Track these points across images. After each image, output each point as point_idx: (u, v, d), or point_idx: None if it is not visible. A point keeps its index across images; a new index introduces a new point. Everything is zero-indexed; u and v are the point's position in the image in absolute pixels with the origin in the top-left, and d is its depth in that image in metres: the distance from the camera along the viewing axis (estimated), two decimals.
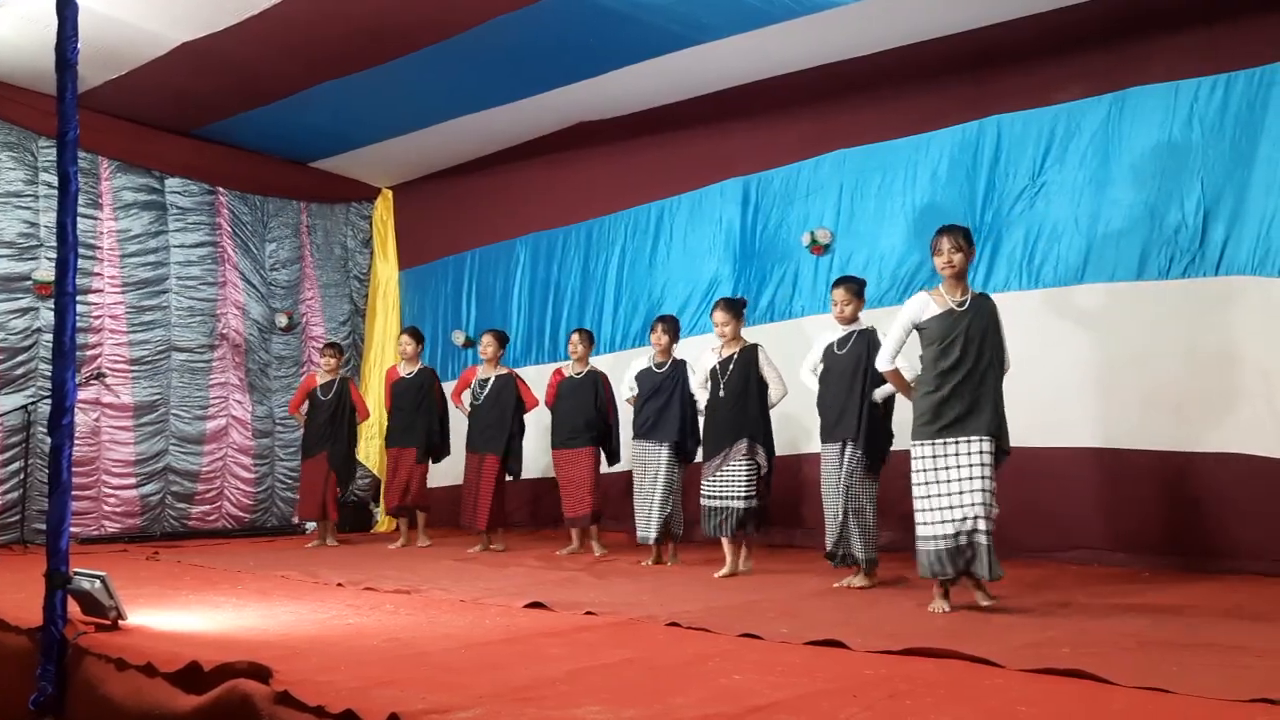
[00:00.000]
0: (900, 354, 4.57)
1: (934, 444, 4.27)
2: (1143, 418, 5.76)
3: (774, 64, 7.01)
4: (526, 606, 4.32)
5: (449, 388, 7.90)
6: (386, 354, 9.83)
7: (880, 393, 4.99)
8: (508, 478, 7.28)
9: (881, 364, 4.61)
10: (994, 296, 4.54)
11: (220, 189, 9.06)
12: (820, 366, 5.30)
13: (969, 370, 4.25)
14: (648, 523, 6.15)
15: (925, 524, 4.26)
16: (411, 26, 6.60)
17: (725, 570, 5.53)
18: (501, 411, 7.19)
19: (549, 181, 8.91)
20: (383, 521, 9.38)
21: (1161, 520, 5.68)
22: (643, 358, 6.52)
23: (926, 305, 4.40)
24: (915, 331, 4.45)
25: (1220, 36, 5.73)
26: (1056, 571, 5.55)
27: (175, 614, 4.13)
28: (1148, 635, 3.62)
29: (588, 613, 4.12)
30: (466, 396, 7.45)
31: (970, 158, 6.58)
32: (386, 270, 10.11)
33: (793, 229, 7.37)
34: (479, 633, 3.73)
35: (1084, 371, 5.95)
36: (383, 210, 10.16)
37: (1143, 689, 2.70)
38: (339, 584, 5.20)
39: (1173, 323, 5.69)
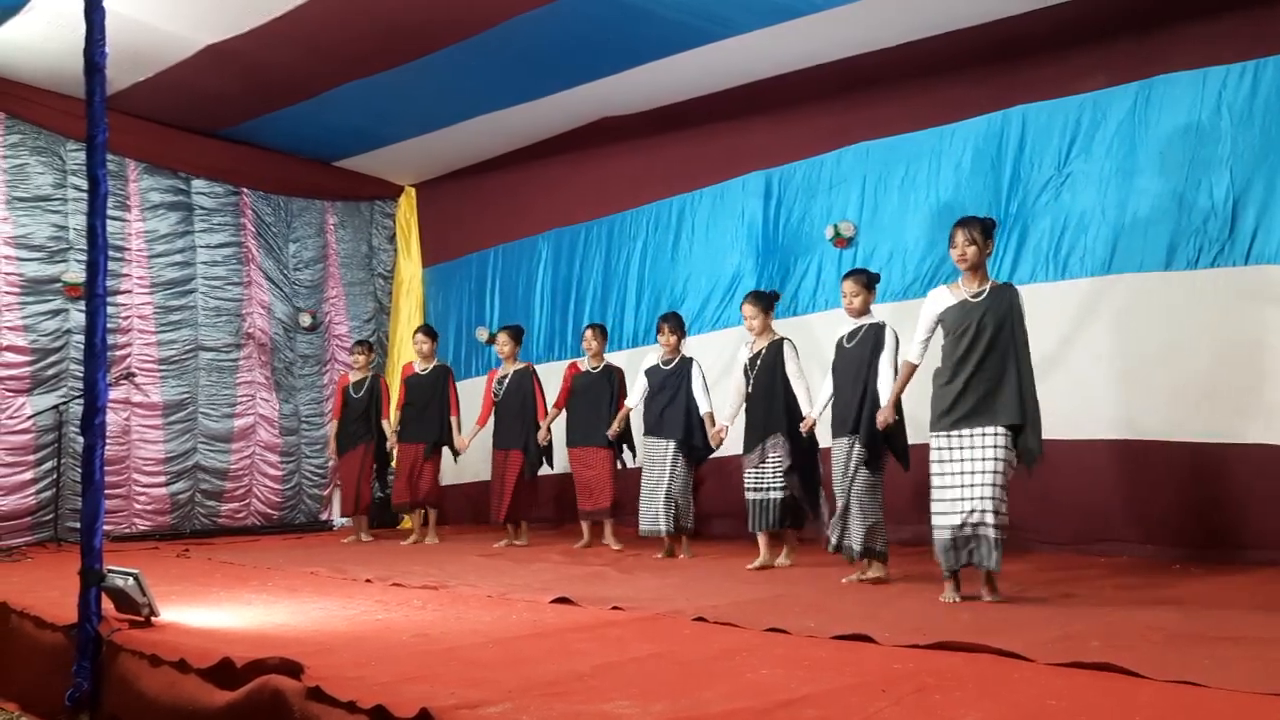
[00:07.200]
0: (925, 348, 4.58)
1: (948, 435, 4.30)
2: (1171, 409, 5.70)
3: (795, 58, 6.99)
4: (553, 602, 4.33)
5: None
6: (410, 351, 9.86)
7: (886, 386, 4.91)
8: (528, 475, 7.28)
9: (907, 355, 4.65)
10: (1020, 289, 4.51)
11: (245, 189, 9.14)
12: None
13: (980, 361, 4.25)
14: (654, 517, 6.20)
15: (935, 514, 4.30)
16: (433, 26, 6.62)
17: (757, 563, 5.56)
18: (522, 405, 7.23)
19: (571, 178, 8.92)
20: (408, 518, 9.43)
21: (1191, 512, 5.63)
22: (653, 355, 6.56)
23: (944, 297, 4.46)
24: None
25: (1248, 23, 5.66)
26: (1085, 564, 5.51)
27: (207, 610, 4.18)
28: (1177, 628, 3.59)
29: (614, 608, 4.13)
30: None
31: (995, 149, 6.53)
32: (410, 268, 10.16)
33: (815, 222, 7.34)
34: (507, 628, 3.74)
35: (1111, 363, 5.90)
36: (406, 208, 10.22)
37: (1173, 682, 2.67)
38: (367, 580, 5.24)
39: (1201, 313, 5.62)
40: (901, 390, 4.73)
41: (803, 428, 5.46)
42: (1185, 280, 5.71)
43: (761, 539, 5.63)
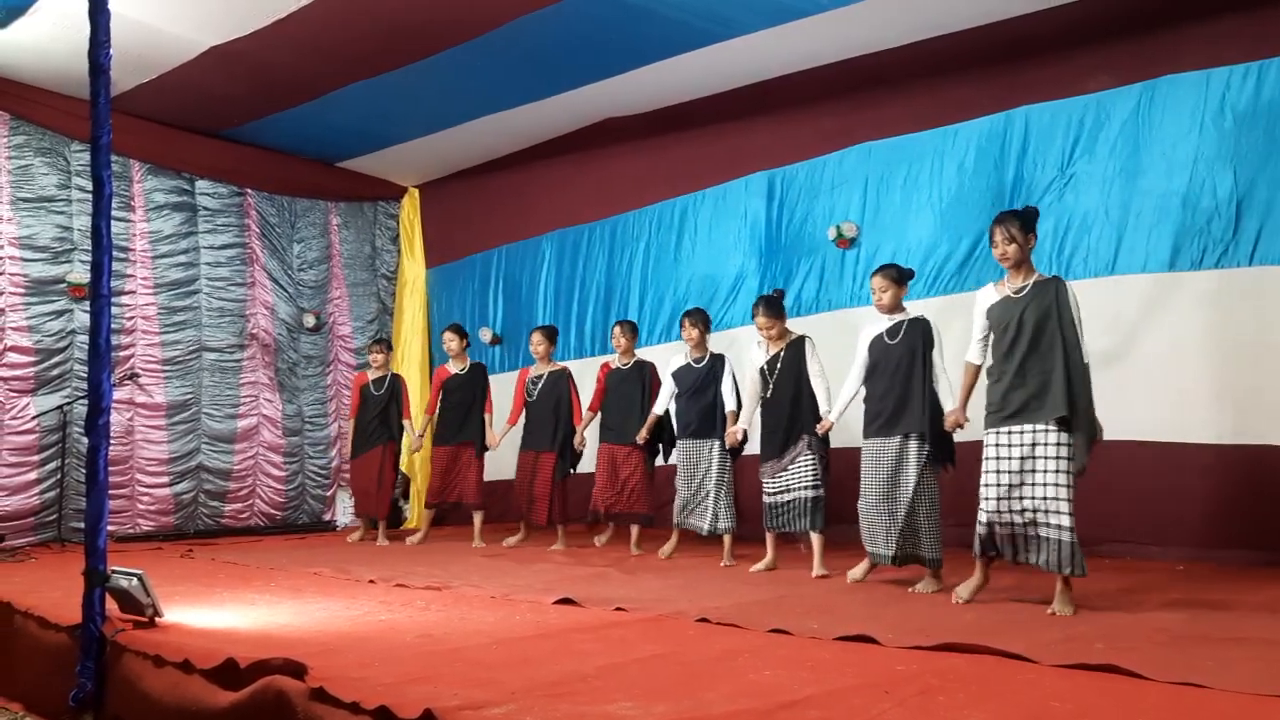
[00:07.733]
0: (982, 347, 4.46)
1: (997, 432, 4.20)
2: (1175, 410, 5.70)
3: (798, 58, 6.99)
4: (557, 603, 4.34)
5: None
6: (414, 351, 9.91)
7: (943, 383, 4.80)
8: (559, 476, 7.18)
9: (968, 356, 4.50)
10: None
11: (249, 190, 9.15)
12: (866, 361, 5.06)
13: (1024, 356, 4.14)
14: (712, 518, 6.05)
15: (984, 510, 4.19)
16: (437, 27, 6.63)
17: (762, 565, 5.55)
18: (556, 407, 7.13)
19: (574, 178, 8.93)
20: (413, 517, 9.44)
21: (1196, 513, 5.63)
22: (680, 355, 6.39)
23: (990, 295, 4.38)
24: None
25: (1251, 23, 5.66)
26: (1089, 566, 5.48)
27: (211, 611, 4.18)
28: (1182, 630, 3.60)
29: (618, 609, 4.14)
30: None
31: (998, 149, 6.54)
32: (414, 268, 10.17)
33: (818, 223, 7.34)
34: (510, 629, 3.75)
35: (1115, 364, 5.88)
36: (410, 209, 10.23)
37: (1177, 684, 2.68)
38: (371, 580, 5.25)
39: (1205, 314, 5.62)
40: (969, 393, 4.55)
41: (820, 429, 5.33)
42: (1189, 281, 5.71)
43: (770, 540, 5.58)
